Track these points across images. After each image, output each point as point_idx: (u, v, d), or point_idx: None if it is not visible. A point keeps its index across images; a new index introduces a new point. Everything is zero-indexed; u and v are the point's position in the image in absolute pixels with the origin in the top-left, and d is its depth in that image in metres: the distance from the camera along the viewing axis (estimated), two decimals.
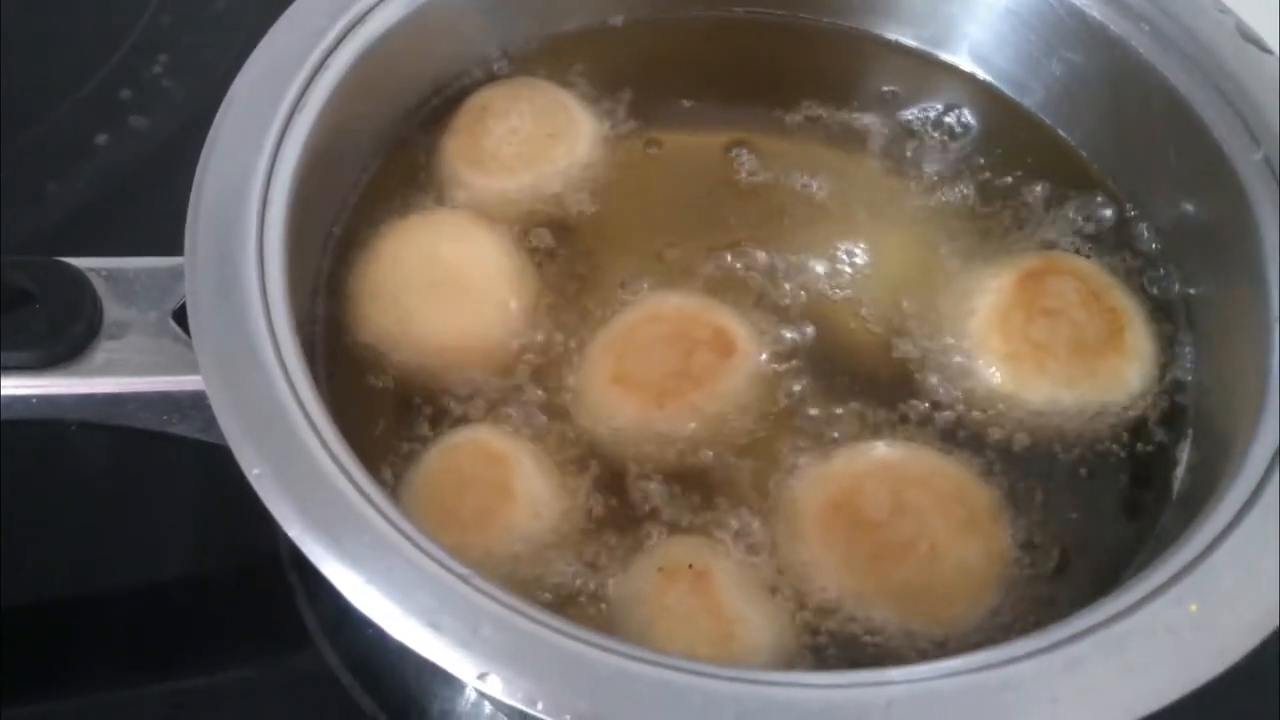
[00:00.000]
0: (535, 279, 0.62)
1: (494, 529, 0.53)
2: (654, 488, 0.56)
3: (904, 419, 0.58)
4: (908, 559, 0.51)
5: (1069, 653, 0.43)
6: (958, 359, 0.59)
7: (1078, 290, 0.59)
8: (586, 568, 0.54)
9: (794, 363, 0.60)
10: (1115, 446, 0.58)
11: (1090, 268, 0.61)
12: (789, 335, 0.61)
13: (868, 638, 0.52)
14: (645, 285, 0.62)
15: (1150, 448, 0.58)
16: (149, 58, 0.86)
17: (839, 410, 0.58)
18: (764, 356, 0.59)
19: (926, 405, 0.58)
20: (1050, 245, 0.64)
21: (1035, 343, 0.58)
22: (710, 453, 0.57)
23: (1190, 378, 0.60)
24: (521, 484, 0.54)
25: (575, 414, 0.58)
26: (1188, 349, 0.61)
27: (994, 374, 0.58)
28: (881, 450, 0.56)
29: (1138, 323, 0.60)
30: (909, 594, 0.51)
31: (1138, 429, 0.58)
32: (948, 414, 0.58)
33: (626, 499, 0.56)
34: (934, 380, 0.59)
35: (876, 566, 0.52)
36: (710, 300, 0.61)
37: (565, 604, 0.53)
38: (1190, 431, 0.58)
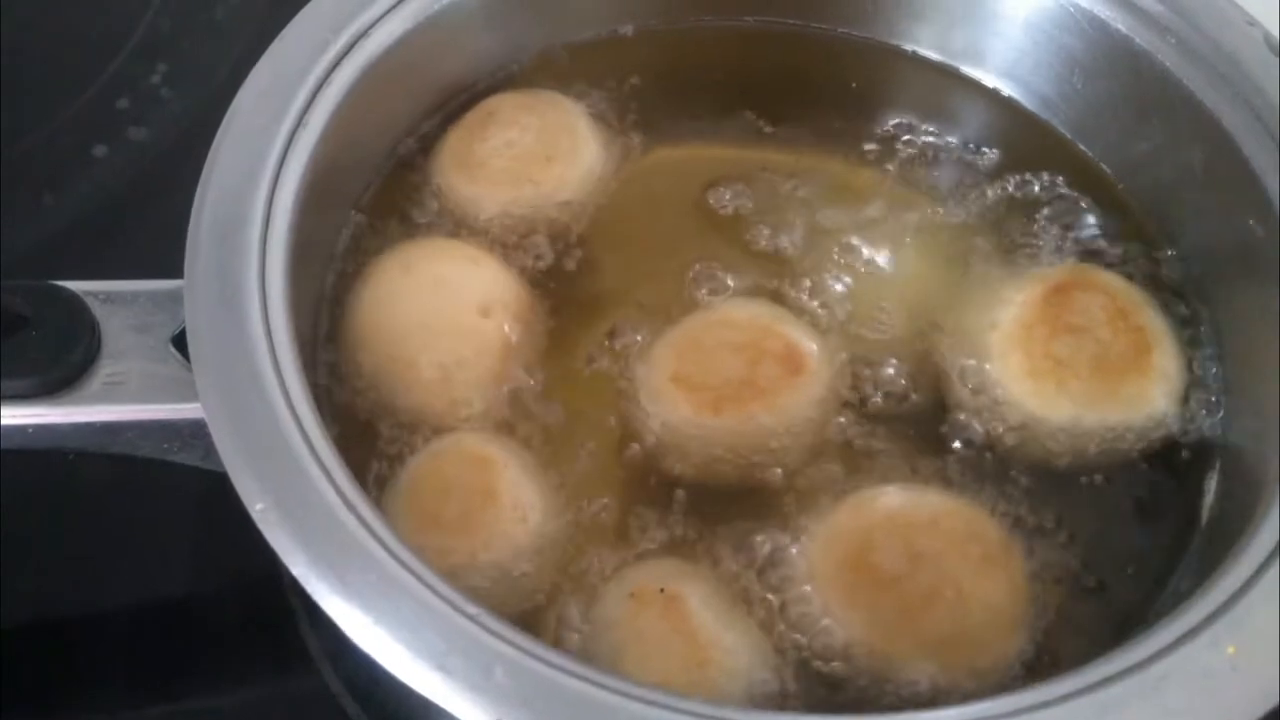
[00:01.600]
0: (528, 310, 0.60)
1: (477, 533, 0.52)
2: (668, 503, 0.56)
3: (932, 440, 0.57)
4: (936, 609, 0.50)
5: (1104, 696, 0.42)
6: (979, 375, 0.58)
7: (1104, 307, 0.58)
8: (573, 577, 0.53)
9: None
10: (1141, 470, 0.57)
11: (1119, 284, 0.60)
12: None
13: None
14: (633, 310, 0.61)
15: (1178, 473, 0.57)
16: (147, 66, 0.85)
17: (871, 434, 0.58)
18: (835, 380, 0.58)
19: (950, 425, 0.58)
20: (1067, 259, 0.63)
21: (1057, 360, 0.57)
22: (748, 470, 0.56)
23: (1218, 401, 0.59)
24: (506, 488, 0.53)
25: (631, 408, 0.57)
26: (1215, 371, 0.60)
27: (1014, 391, 0.57)
28: (885, 498, 0.55)
29: (1166, 343, 0.58)
30: (943, 645, 0.49)
31: (1164, 453, 0.57)
32: (970, 433, 0.57)
33: (628, 511, 0.55)
34: (957, 398, 0.58)
35: (906, 623, 0.50)
36: (787, 313, 0.60)
37: (546, 615, 0.52)
38: (1219, 458, 0.57)
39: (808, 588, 0.52)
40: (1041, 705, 0.42)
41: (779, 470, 0.56)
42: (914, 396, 0.59)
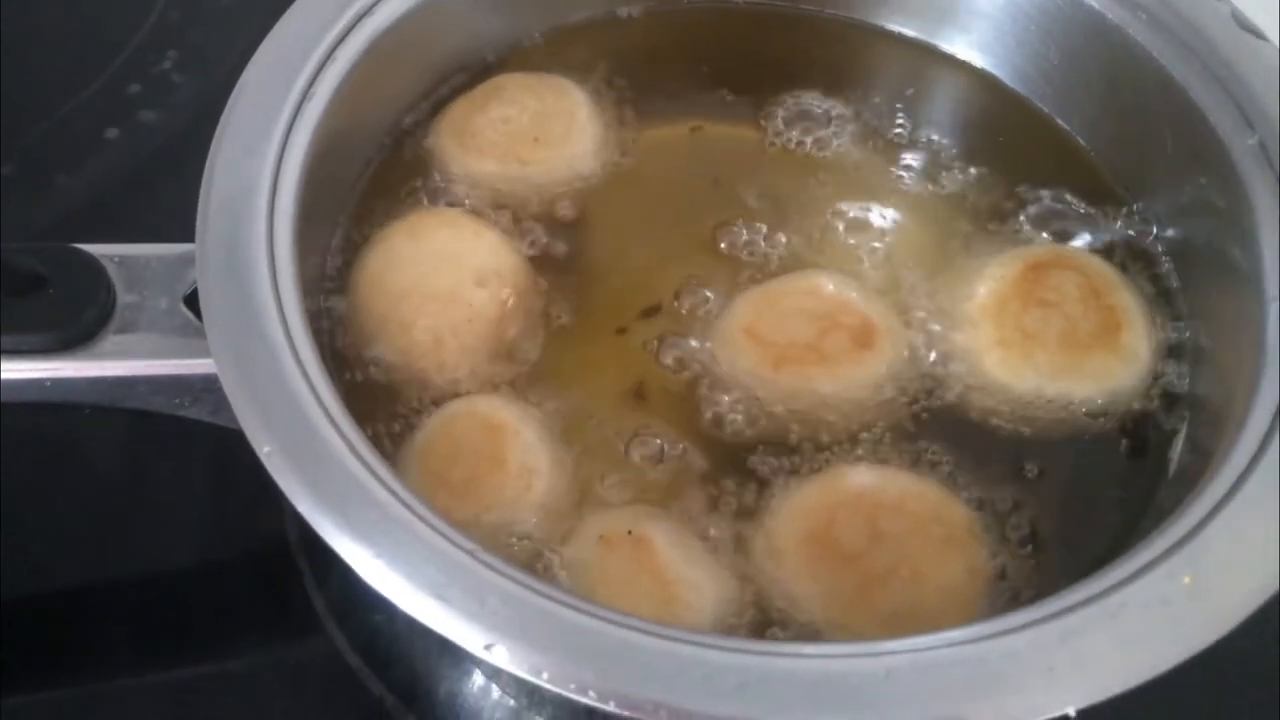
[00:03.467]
0: (527, 285, 0.61)
1: (480, 498, 0.54)
2: (669, 462, 0.57)
3: (901, 404, 0.59)
4: (891, 586, 0.51)
5: (1065, 623, 0.43)
6: (953, 344, 0.60)
7: (1079, 285, 0.60)
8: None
9: None
10: (1109, 435, 0.58)
11: (1097, 264, 0.62)
12: None
13: None
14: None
15: (1145, 438, 0.58)
16: (158, 53, 0.87)
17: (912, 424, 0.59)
18: (891, 368, 0.59)
19: (921, 388, 0.59)
20: (1045, 232, 0.65)
21: (1025, 332, 0.58)
22: (785, 432, 0.57)
23: (1187, 364, 0.60)
24: (515, 455, 0.55)
25: (703, 354, 0.60)
26: (1185, 331, 0.61)
27: (984, 359, 0.59)
28: (853, 477, 0.56)
29: (1137, 323, 0.60)
30: (897, 622, 0.51)
31: (1132, 421, 0.59)
32: (941, 398, 0.59)
33: (626, 478, 0.57)
34: (929, 364, 0.60)
35: (862, 598, 0.51)
36: (870, 293, 0.61)
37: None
38: (1186, 417, 0.59)
39: (770, 560, 0.54)
40: (1004, 632, 0.43)
41: (810, 439, 0.57)
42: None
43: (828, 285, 0.60)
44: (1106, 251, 0.64)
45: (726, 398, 0.59)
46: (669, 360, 0.60)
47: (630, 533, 0.52)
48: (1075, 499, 0.57)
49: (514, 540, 0.54)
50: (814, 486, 0.56)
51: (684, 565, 0.52)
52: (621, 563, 0.51)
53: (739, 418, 0.58)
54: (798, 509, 0.55)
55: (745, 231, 0.65)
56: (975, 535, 0.54)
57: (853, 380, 0.58)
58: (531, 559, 0.53)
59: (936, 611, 0.51)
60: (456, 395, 0.58)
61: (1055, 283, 0.60)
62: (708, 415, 0.58)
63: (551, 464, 0.56)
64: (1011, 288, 0.60)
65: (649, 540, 0.52)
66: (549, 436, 0.57)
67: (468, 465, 0.54)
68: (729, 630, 0.52)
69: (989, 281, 0.61)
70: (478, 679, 0.63)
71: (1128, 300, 0.60)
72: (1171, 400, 0.59)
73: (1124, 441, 0.58)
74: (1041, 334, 0.58)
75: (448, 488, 0.54)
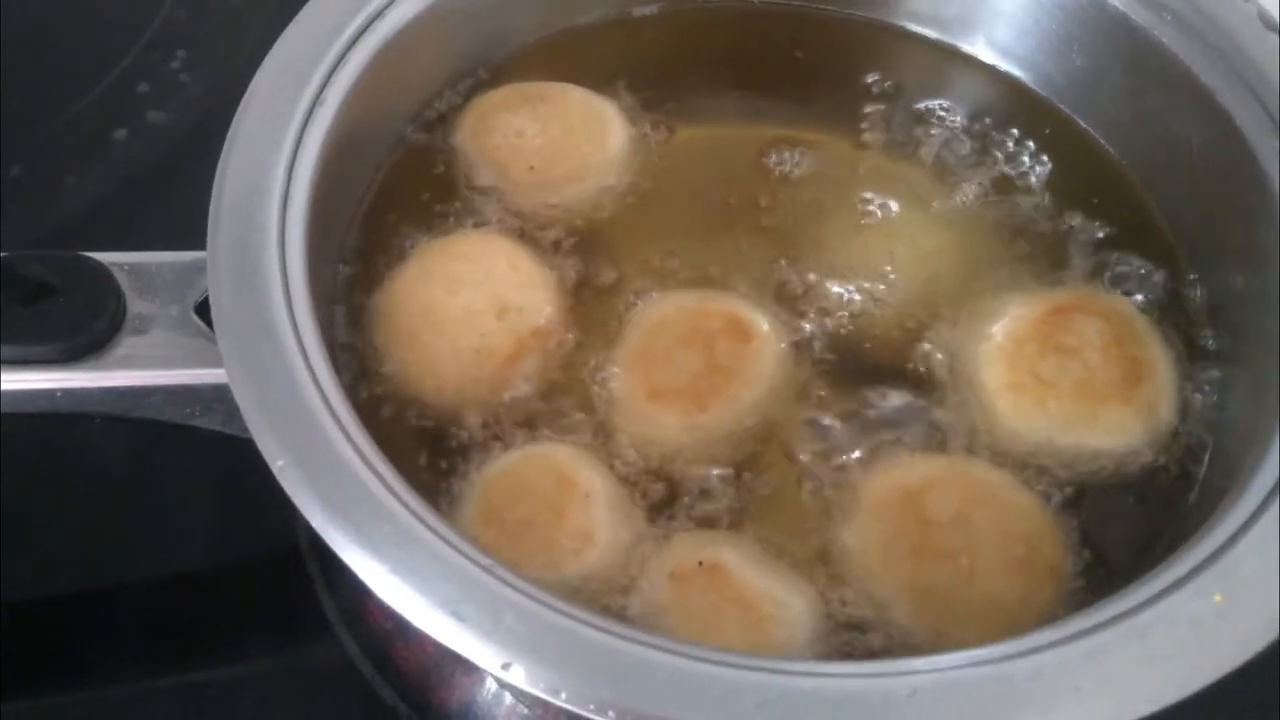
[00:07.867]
0: (556, 320, 0.60)
1: (525, 547, 0.52)
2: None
3: (900, 430, 0.58)
4: (942, 566, 0.50)
5: (1091, 642, 0.43)
6: (966, 380, 0.59)
7: (1101, 333, 0.57)
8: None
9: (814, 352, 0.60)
10: (1126, 475, 0.57)
11: (1123, 310, 0.59)
12: (808, 328, 0.61)
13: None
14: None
15: (1166, 471, 0.57)
16: (166, 53, 0.87)
17: (835, 419, 0.58)
18: (782, 343, 0.59)
19: (925, 420, 0.58)
20: (1068, 245, 0.64)
21: (1040, 378, 0.56)
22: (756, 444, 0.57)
23: (1215, 376, 0.59)
24: (575, 515, 0.52)
25: (621, 437, 0.57)
26: (1211, 341, 0.60)
27: (994, 402, 0.57)
28: (975, 464, 0.55)
29: (1159, 376, 0.57)
30: (926, 599, 0.50)
31: (1149, 465, 0.57)
32: (945, 433, 0.58)
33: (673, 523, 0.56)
34: (937, 399, 0.59)
35: (909, 560, 0.51)
36: (708, 290, 0.60)
37: None
38: (1213, 433, 0.57)
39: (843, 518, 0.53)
40: (1030, 651, 0.43)
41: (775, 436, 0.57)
42: (899, 391, 0.59)
43: (668, 305, 0.59)
44: (1131, 266, 0.63)
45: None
46: None
47: (700, 563, 0.50)
48: (1091, 531, 0.55)
49: None
50: (932, 458, 0.55)
51: (765, 582, 0.50)
52: (700, 596, 0.49)
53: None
54: (906, 463, 0.54)
55: (760, 243, 0.64)
56: (1054, 575, 0.52)
57: (763, 369, 0.57)
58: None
59: (969, 613, 0.50)
60: (455, 421, 0.57)
61: (1078, 328, 0.57)
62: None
63: (611, 541, 0.53)
64: (1031, 329, 0.58)
65: (721, 565, 0.50)
66: (620, 513, 0.54)
67: (527, 509, 0.52)
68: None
69: (1008, 321, 0.59)
70: (491, 688, 0.63)
71: (1153, 352, 0.58)
72: (1200, 421, 0.58)
73: (1143, 473, 0.57)
74: (1057, 381, 0.56)
75: (499, 524, 0.52)
